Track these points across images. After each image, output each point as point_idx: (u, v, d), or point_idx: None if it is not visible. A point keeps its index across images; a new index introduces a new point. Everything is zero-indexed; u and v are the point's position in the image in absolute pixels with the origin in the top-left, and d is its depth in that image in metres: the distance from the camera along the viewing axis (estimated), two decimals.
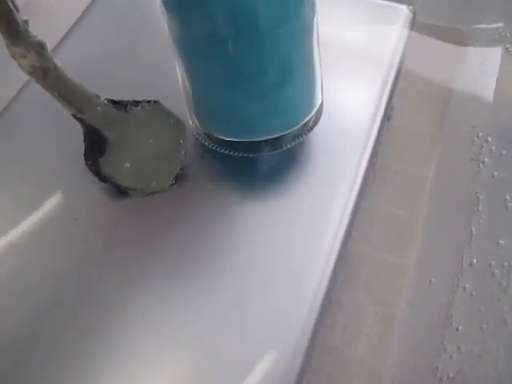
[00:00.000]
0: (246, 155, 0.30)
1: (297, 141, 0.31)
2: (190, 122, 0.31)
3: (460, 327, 0.29)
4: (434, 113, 0.43)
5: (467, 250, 0.32)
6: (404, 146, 0.43)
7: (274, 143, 0.30)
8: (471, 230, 0.32)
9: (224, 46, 0.26)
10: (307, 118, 0.30)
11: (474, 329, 0.28)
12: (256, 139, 0.30)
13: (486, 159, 0.35)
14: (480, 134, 0.36)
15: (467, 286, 0.30)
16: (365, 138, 0.33)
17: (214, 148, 0.31)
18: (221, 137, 0.30)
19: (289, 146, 0.30)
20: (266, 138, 0.30)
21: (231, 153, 0.30)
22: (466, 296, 0.30)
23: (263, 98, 0.28)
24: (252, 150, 0.30)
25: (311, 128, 0.31)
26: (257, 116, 0.29)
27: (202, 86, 0.29)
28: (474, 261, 0.31)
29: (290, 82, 0.28)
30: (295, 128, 0.30)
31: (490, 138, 0.35)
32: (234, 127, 0.30)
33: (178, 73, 0.29)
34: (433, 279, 0.34)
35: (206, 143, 0.31)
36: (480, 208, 0.33)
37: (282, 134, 0.30)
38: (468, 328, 0.29)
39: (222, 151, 0.30)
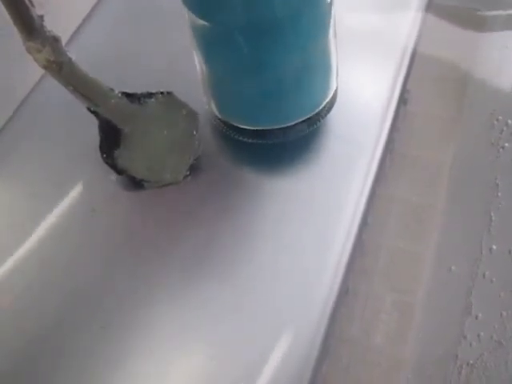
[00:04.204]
0: (260, 142, 0.31)
1: (311, 128, 0.31)
2: (207, 107, 0.32)
3: (480, 314, 0.29)
4: (453, 97, 0.43)
5: (487, 237, 0.31)
6: (422, 131, 0.42)
7: (290, 130, 0.30)
8: (491, 216, 0.32)
9: (241, 34, 0.26)
10: (323, 105, 0.30)
11: (494, 316, 0.27)
12: (272, 127, 0.30)
13: (506, 144, 0.34)
14: (500, 118, 0.35)
15: (487, 272, 0.30)
16: (380, 124, 0.33)
17: (231, 135, 0.31)
18: (238, 124, 0.30)
19: (304, 133, 0.31)
20: (282, 126, 0.30)
21: (249, 140, 0.31)
22: (485, 283, 0.30)
23: (280, 86, 0.28)
24: (267, 137, 0.31)
25: (326, 114, 0.31)
26: (273, 104, 0.29)
27: (220, 74, 0.29)
28: (494, 247, 0.30)
29: (307, 69, 0.28)
30: (311, 115, 0.30)
31: (510, 122, 0.34)
32: (252, 115, 0.30)
33: (196, 60, 0.30)
34: (452, 267, 0.33)
35: (224, 130, 0.31)
36: (499, 194, 0.32)
37: (298, 121, 0.30)
38: (488, 315, 0.28)
39: (240, 138, 0.31)
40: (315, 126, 0.31)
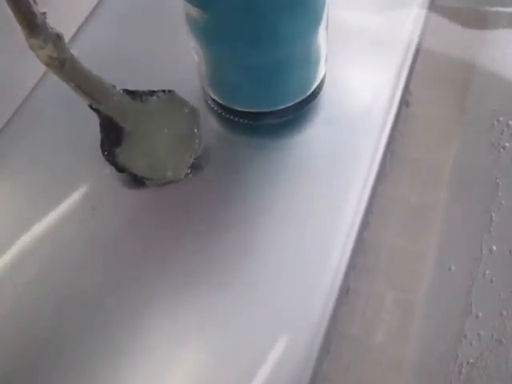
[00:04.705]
0: (257, 123, 0.32)
1: (302, 110, 0.32)
2: (204, 91, 0.32)
3: (480, 314, 0.29)
4: (454, 97, 0.43)
5: (487, 237, 0.31)
6: (423, 132, 0.42)
7: (283, 112, 0.32)
8: (491, 216, 0.32)
9: (236, 24, 0.26)
10: (313, 88, 0.32)
11: (494, 315, 0.27)
12: (267, 110, 0.32)
13: (506, 144, 0.34)
14: (500, 118, 0.36)
15: (487, 272, 0.30)
16: (381, 124, 0.33)
17: (226, 116, 0.32)
18: (234, 107, 0.32)
19: (295, 115, 0.32)
20: (276, 109, 0.31)
21: (245, 121, 0.32)
22: (485, 282, 0.30)
23: (274, 72, 0.29)
24: (262, 119, 0.32)
25: (315, 96, 0.33)
26: (267, 88, 0.31)
27: (216, 61, 0.30)
28: (494, 247, 0.31)
29: (300, 57, 0.29)
30: (303, 97, 0.32)
31: (510, 122, 0.35)
32: (247, 98, 0.31)
33: (192, 46, 0.30)
34: (452, 266, 0.34)
35: (220, 112, 0.32)
36: (500, 194, 0.32)
37: (291, 103, 0.32)
38: (488, 314, 0.28)
39: (236, 120, 0.32)
40: (307, 107, 0.32)
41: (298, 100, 0.32)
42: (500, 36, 0.42)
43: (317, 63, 0.31)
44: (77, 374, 0.26)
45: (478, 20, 0.43)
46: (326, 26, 0.30)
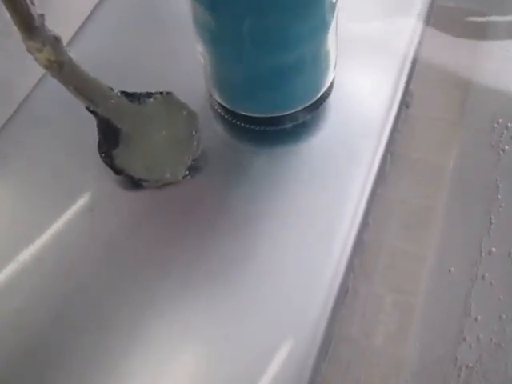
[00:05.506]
0: (262, 128, 0.32)
1: (310, 115, 0.32)
2: (209, 95, 0.32)
3: (479, 316, 0.29)
4: (455, 100, 0.43)
5: (486, 239, 0.31)
6: (424, 134, 0.42)
7: (289, 117, 0.32)
8: (490, 219, 0.32)
9: (245, 26, 0.26)
10: (320, 94, 0.32)
11: (493, 318, 0.27)
12: (273, 115, 0.31)
13: (506, 147, 0.34)
14: (500, 121, 0.36)
15: (486, 274, 0.30)
16: (381, 125, 0.33)
17: (232, 121, 0.32)
18: (239, 111, 0.31)
19: (303, 120, 0.32)
20: (281, 114, 0.31)
21: (251, 126, 0.32)
22: (485, 285, 0.30)
23: (281, 75, 0.29)
24: (268, 123, 0.32)
25: (322, 102, 0.32)
26: (273, 92, 0.30)
27: (223, 64, 0.30)
28: (494, 249, 0.30)
29: (309, 61, 0.29)
30: (310, 102, 0.32)
31: (510, 125, 0.34)
32: (251, 104, 0.31)
33: (199, 51, 0.30)
34: (452, 268, 0.33)
35: (226, 116, 0.32)
36: (500, 196, 0.32)
37: (298, 108, 0.31)
38: (487, 317, 0.28)
39: (243, 125, 0.32)
40: (314, 113, 0.32)
41: (305, 105, 0.31)
42: (498, 42, 0.42)
43: (326, 68, 0.31)
44: (77, 374, 0.27)
45: (477, 27, 0.44)
46: (336, 33, 0.29)
